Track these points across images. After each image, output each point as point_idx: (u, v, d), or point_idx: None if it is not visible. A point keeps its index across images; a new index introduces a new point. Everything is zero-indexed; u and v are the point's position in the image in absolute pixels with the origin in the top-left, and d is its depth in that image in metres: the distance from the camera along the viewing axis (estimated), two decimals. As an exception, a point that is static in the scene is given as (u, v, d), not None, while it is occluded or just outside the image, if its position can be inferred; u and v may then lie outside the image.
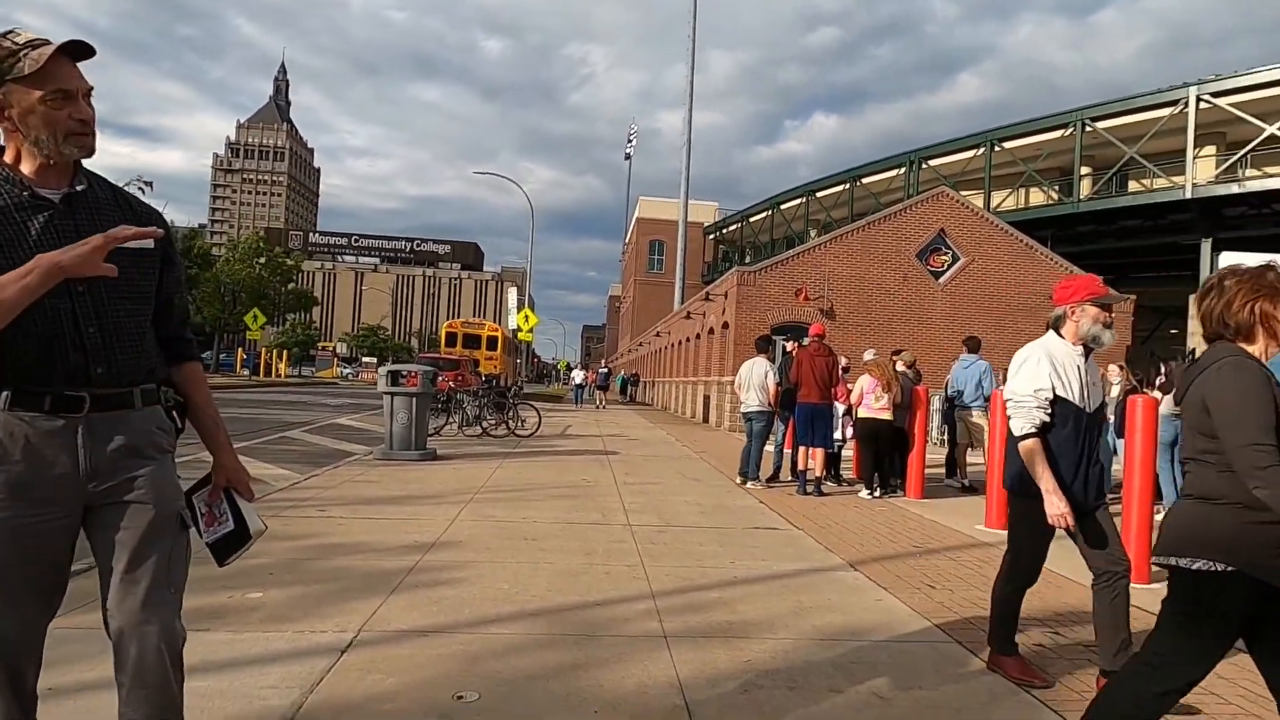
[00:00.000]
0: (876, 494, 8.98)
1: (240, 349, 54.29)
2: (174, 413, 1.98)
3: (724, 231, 58.96)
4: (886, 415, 8.99)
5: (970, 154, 35.06)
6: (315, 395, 30.21)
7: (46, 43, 1.72)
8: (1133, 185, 31.76)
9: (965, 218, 21.54)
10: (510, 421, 15.37)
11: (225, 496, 2.08)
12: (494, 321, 48.80)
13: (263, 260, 54.55)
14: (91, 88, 1.79)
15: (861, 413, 9.16)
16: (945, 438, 11.83)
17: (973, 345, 10.51)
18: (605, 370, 35.79)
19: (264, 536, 2.15)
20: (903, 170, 37.98)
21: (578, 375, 34.33)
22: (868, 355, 9.83)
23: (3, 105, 1.71)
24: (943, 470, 10.68)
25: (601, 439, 15.63)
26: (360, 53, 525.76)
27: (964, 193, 26.97)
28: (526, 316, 30.83)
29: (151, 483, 1.86)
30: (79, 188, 1.82)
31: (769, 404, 9.60)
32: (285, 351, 57.06)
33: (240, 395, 26.66)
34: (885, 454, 9.25)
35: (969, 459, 10.38)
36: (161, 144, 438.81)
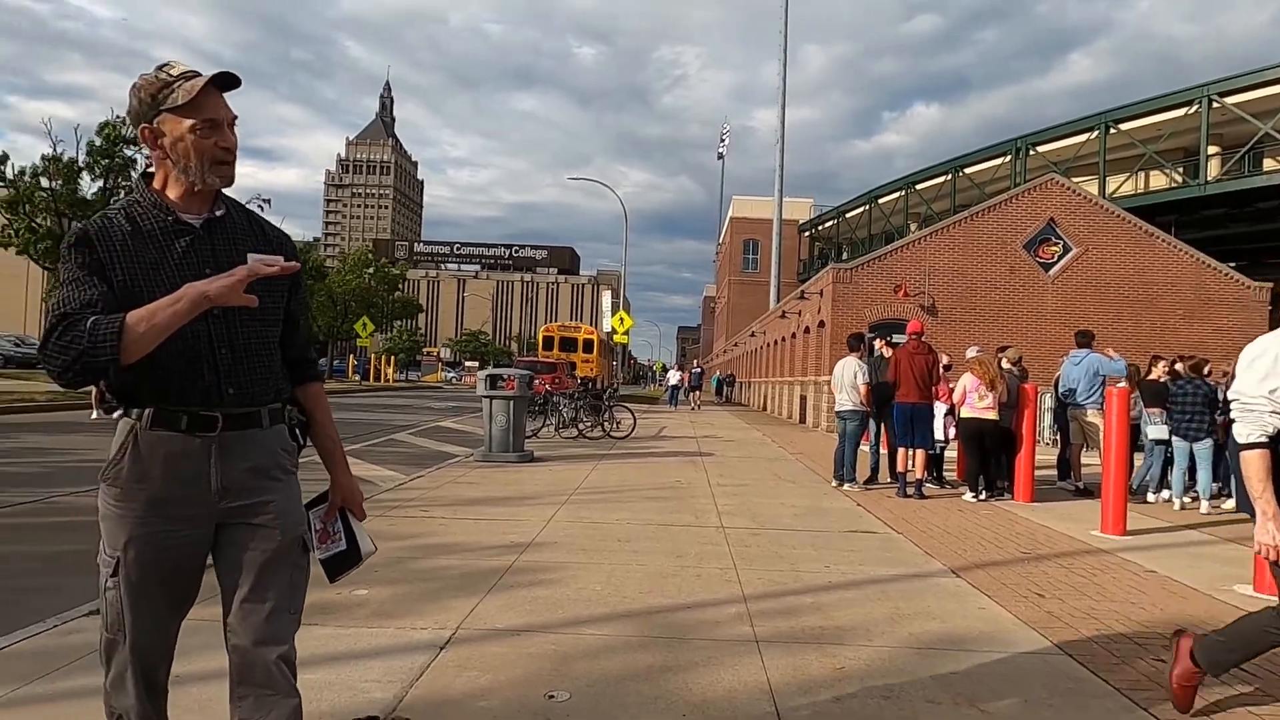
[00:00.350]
0: (982, 497, 8.63)
1: (352, 355, 56.99)
2: (297, 431, 2.04)
3: (819, 228, 57.86)
4: (991, 415, 8.63)
5: (1083, 138, 33.19)
6: (421, 399, 31.39)
7: (197, 74, 1.80)
8: (1268, 164, 29.33)
9: (1077, 205, 20.42)
10: (605, 423, 15.55)
11: (340, 516, 2.14)
12: (590, 324, 49.45)
13: (371, 270, 57.03)
14: (236, 117, 1.87)
15: (965, 412, 8.82)
16: (1056, 438, 11.25)
17: (1084, 339, 9.96)
18: (699, 371, 35.56)
19: (373, 535, 2.23)
20: (1008, 158, 36.32)
21: (673, 376, 34.31)
22: (971, 352, 9.45)
23: (156, 134, 1.80)
24: (1054, 472, 10.16)
25: (695, 440, 15.61)
26: (460, 66, 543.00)
27: (1076, 179, 25.57)
28: (621, 319, 31.12)
29: (278, 507, 1.92)
30: (218, 213, 1.89)
31: (861, 404, 9.37)
32: (393, 357, 59.51)
33: (351, 400, 27.99)
34: (991, 455, 8.88)
35: (1083, 460, 9.83)
36: (279, 163, 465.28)
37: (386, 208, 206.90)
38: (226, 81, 1.82)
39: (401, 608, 4.07)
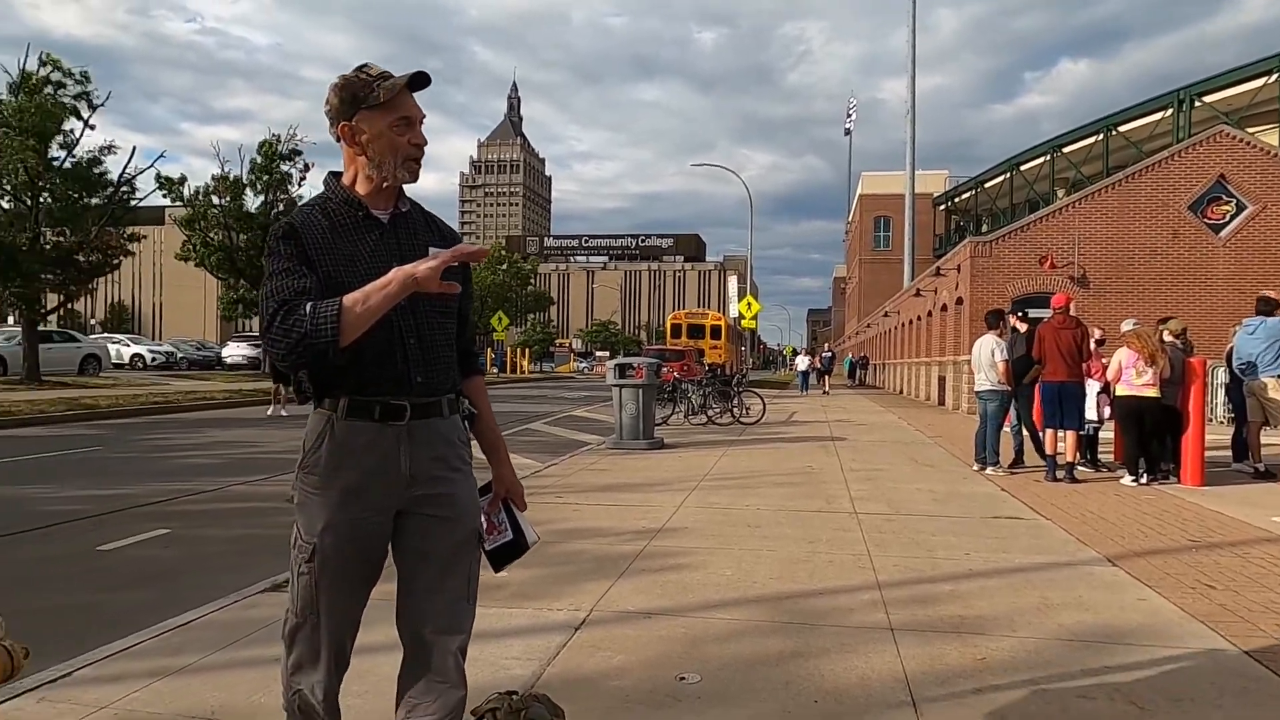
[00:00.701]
0: (1143, 480, 8.01)
1: (489, 349, 59.42)
2: (465, 422, 2.09)
3: (955, 201, 55.06)
4: (1151, 392, 7.97)
5: (1258, 83, 29.84)
6: (554, 389, 32.35)
7: (392, 75, 1.89)
8: None
9: (1253, 159, 18.42)
10: (735, 409, 15.50)
11: (503, 507, 2.19)
12: (717, 311, 49.29)
13: (504, 267, 59.36)
14: (425, 115, 1.95)
15: (1120, 390, 8.20)
16: (1231, 416, 10.26)
17: (1267, 306, 8.98)
18: (830, 354, 34.75)
19: None
20: (1169, 112, 33.19)
21: (802, 361, 33.69)
22: (1126, 325, 8.75)
23: (355, 131, 1.88)
24: (1228, 453, 9.28)
25: (827, 425, 15.29)
26: (583, 62, 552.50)
27: (1250, 130, 23.10)
28: (749, 304, 30.86)
29: (460, 499, 1.97)
30: (403, 209, 1.98)
31: (1001, 382, 8.88)
32: (527, 349, 61.60)
33: (489, 391, 29.16)
34: (1153, 435, 8.22)
35: (1263, 440, 8.92)
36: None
37: (517, 205, 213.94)
38: (419, 81, 1.90)
39: (539, 590, 4.25)
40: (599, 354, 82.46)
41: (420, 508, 1.93)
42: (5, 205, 21.18)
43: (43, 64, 20.77)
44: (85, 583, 4.69)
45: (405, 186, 1.99)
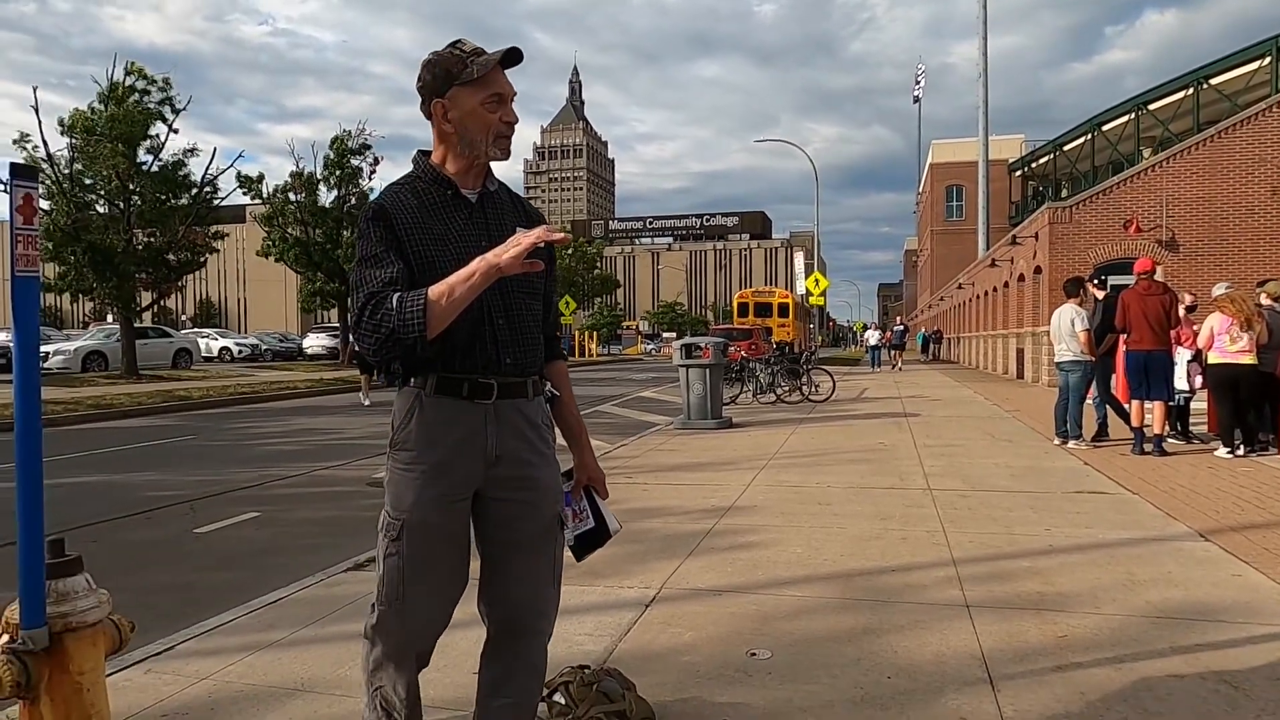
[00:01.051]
0: (1239, 452, 7.62)
1: (558, 333, 60.14)
2: (548, 405, 2.06)
3: (1033, 166, 52.81)
4: (1248, 359, 7.56)
5: (1368, 24, 27.66)
6: (623, 371, 32.53)
7: (483, 51, 1.86)
8: None
9: (1361, 106, 17.13)
10: (804, 387, 15.31)
11: (585, 494, 2.15)
12: (784, 288, 48.66)
13: (570, 251, 59.74)
14: (516, 93, 1.90)
15: (1213, 358, 7.80)
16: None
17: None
18: (901, 328, 33.89)
19: None
20: (1268, 60, 31.06)
21: (872, 336, 32.99)
22: (1218, 290, 8.29)
23: (448, 108, 1.84)
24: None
25: (900, 400, 14.99)
26: (642, 43, 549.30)
27: (1359, 75, 21.43)
28: (816, 280, 30.39)
29: (544, 483, 1.95)
30: (491, 189, 1.96)
31: (1083, 352, 8.54)
32: (595, 332, 62.02)
33: (559, 375, 29.53)
34: (1249, 405, 7.79)
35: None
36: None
37: (581, 189, 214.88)
38: (513, 57, 1.86)
39: (610, 568, 4.30)
40: (666, 335, 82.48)
41: (502, 490, 1.90)
42: (100, 209, 22.39)
43: (128, 73, 21.79)
44: (184, 563, 4.97)
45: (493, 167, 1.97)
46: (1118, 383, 8.96)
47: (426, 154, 1.95)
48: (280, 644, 3.30)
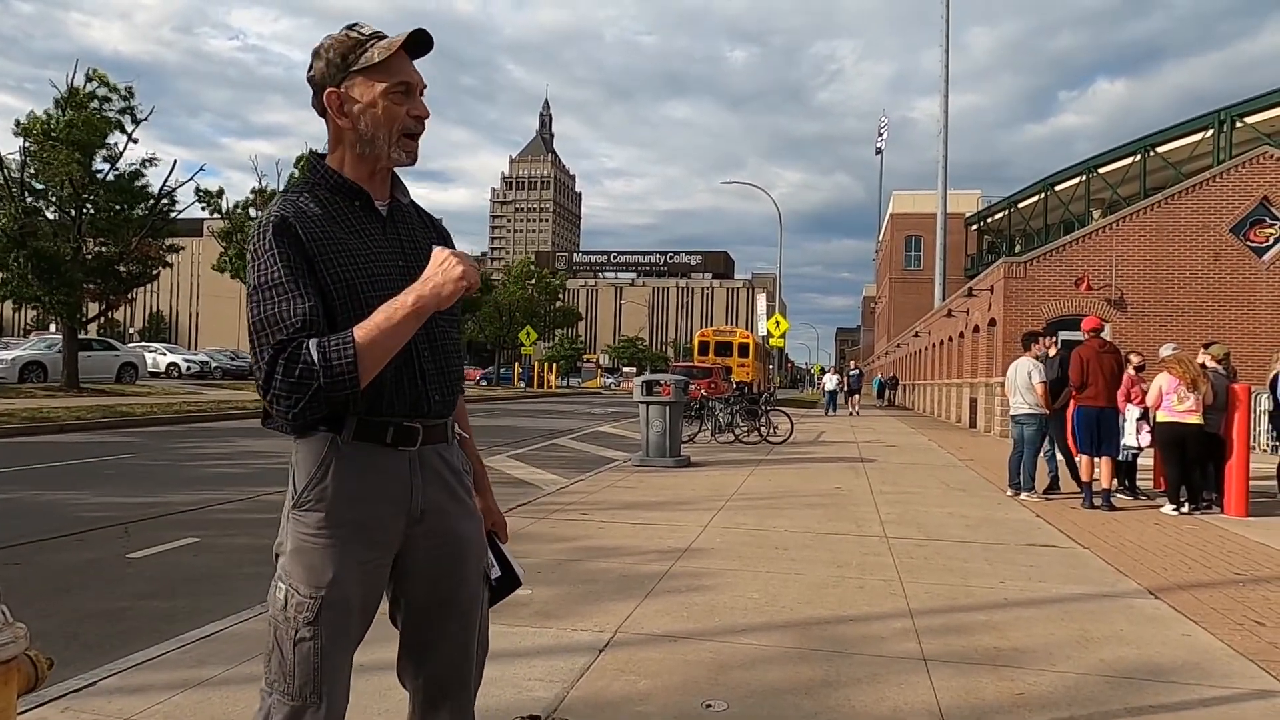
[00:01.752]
0: (1184, 509, 7.78)
1: (517, 363, 59.76)
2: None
3: (988, 221, 54.48)
4: (1194, 419, 7.76)
5: (1302, 104, 29.29)
6: (581, 404, 32.37)
7: (384, 35, 1.63)
8: None
9: (1297, 181, 18.01)
10: (762, 428, 15.36)
11: (489, 542, 1.90)
12: (745, 328, 49.10)
13: (533, 281, 59.72)
14: (426, 85, 1.66)
15: (1161, 416, 8.00)
16: (1275, 444, 9.96)
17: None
18: (857, 372, 34.28)
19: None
20: (1210, 133, 32.61)
21: (830, 380, 33.30)
22: (1165, 350, 8.55)
23: (344, 100, 1.59)
24: (1273, 483, 8.99)
25: (856, 445, 15.11)
26: (615, 79, 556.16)
27: (1295, 151, 22.56)
28: (777, 322, 30.69)
29: (468, 537, 1.74)
30: (404, 201, 1.72)
31: (1039, 405, 8.69)
32: (555, 364, 61.83)
33: (516, 405, 29.29)
34: (1195, 463, 7.99)
35: (1311, 470, 8.64)
36: (450, 184, 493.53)
37: (547, 220, 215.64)
38: (419, 41, 1.62)
39: (563, 609, 4.19)
40: (626, 370, 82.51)
41: (423, 546, 1.66)
42: (50, 216, 21.74)
43: (89, 79, 21.35)
44: (115, 590, 4.71)
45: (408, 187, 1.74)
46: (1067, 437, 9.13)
47: (322, 156, 1.68)
48: (210, 682, 3.13)
